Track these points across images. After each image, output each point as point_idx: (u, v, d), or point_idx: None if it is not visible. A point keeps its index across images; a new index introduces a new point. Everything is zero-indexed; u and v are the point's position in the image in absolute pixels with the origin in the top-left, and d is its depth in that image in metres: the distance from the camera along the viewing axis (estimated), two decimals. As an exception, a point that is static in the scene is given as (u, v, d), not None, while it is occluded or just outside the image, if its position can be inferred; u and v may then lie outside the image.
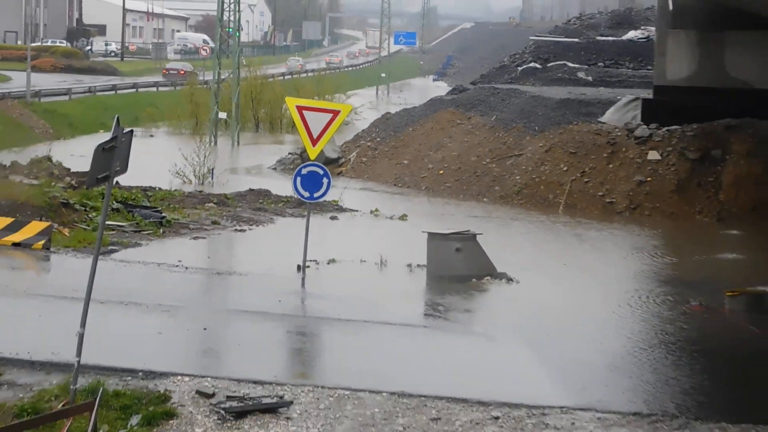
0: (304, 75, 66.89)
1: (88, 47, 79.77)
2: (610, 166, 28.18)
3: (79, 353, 10.77)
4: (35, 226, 20.20)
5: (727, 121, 27.84)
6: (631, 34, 43.48)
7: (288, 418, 10.50)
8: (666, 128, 28.58)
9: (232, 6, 43.78)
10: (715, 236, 25.14)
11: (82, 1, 76.87)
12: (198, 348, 14.08)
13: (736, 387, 13.32)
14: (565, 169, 28.98)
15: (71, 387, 10.91)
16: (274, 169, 35.22)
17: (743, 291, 17.56)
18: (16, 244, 19.69)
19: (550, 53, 42.88)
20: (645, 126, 29.04)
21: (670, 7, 27.11)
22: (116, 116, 11.40)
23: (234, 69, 42.98)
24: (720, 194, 26.58)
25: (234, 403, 10.94)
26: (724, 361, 14.90)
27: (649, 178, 27.36)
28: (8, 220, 20.24)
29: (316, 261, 19.46)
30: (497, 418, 10.68)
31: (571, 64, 40.56)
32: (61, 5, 73.42)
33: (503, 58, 49.04)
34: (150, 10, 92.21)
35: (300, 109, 17.81)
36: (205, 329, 15.16)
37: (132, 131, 11.53)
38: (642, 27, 43.16)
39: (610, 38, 43.88)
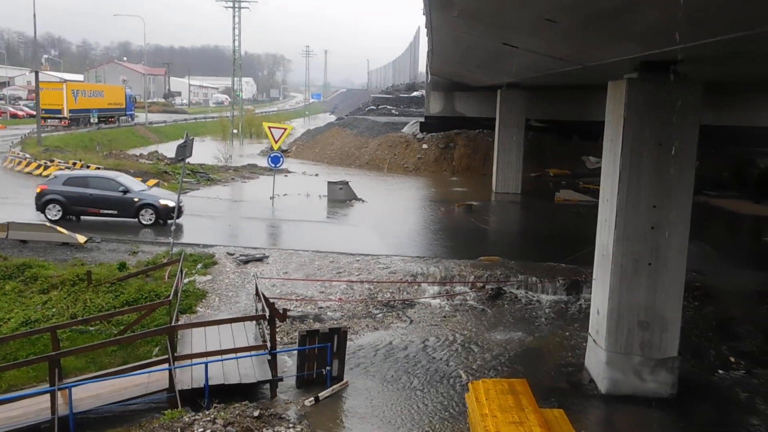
0: (271, 113, 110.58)
1: (174, 101, 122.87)
2: (407, 151, 44.85)
3: (172, 236, 20.16)
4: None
5: (455, 130, 45.14)
6: (416, 93, 68.55)
7: (267, 262, 19.78)
8: (430, 134, 45.81)
9: (237, 82, 75.25)
10: (450, 181, 39.38)
11: (170, 80, 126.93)
12: (227, 233, 23.82)
13: (461, 245, 22.63)
14: (386, 153, 45.14)
15: (170, 252, 19.73)
16: (259, 155, 51.53)
17: (463, 203, 29.18)
18: None
19: (380, 102, 67.02)
20: (421, 133, 46.48)
21: (430, 81, 46.60)
22: (186, 132, 21.23)
23: (240, 110, 75.31)
24: (453, 163, 43.37)
25: (243, 257, 19.99)
26: (457, 234, 25.11)
27: (422, 156, 43.84)
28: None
29: (278, 194, 30.70)
30: (358, 259, 19.98)
31: (389, 107, 63.67)
32: (160, 81, 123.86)
33: (359, 105, 75.42)
34: (201, 84, 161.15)
35: (269, 127, 30.30)
36: (230, 225, 25.56)
37: (193, 138, 21.30)
38: (420, 89, 68.10)
39: (406, 95, 69.85)
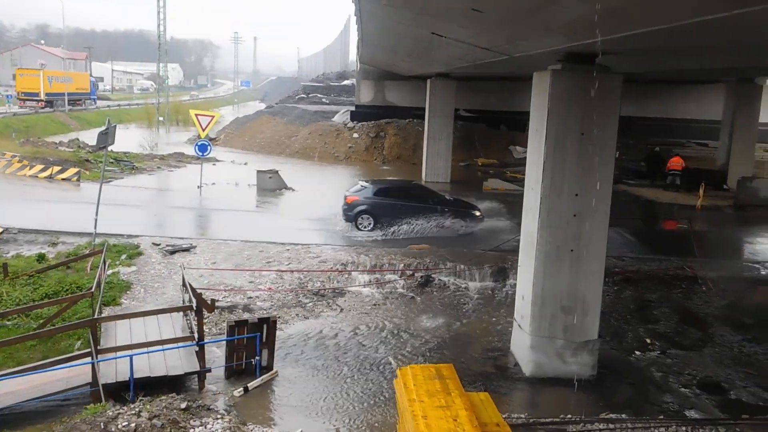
0: (198, 100, 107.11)
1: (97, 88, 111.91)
2: (337, 140, 44.62)
3: (95, 227, 19.35)
4: (73, 170, 31.85)
5: (385, 120, 44.87)
6: (347, 82, 68.66)
7: (194, 253, 19.48)
8: (361, 123, 45.29)
9: (162, 68, 74.20)
10: (381, 170, 39.45)
11: (92, 65, 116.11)
12: (152, 223, 23.37)
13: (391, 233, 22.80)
14: (317, 141, 44.90)
15: (92, 243, 19.16)
16: (186, 143, 49.47)
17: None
18: (65, 179, 31.11)
19: (311, 90, 66.74)
20: (352, 122, 46.07)
21: (361, 70, 46.15)
22: (108, 118, 20.69)
23: (165, 96, 71.17)
24: (384, 152, 43.07)
25: (169, 247, 19.69)
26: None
27: (353, 145, 43.59)
28: (59, 167, 32.08)
29: (206, 183, 30.17)
30: (288, 249, 19.89)
31: (319, 95, 63.61)
32: (81, 66, 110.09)
33: (290, 93, 74.99)
34: (125, 70, 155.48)
35: (196, 115, 29.46)
36: (155, 215, 25.08)
37: (116, 125, 20.74)
38: (351, 78, 67.52)
39: (337, 83, 69.80)
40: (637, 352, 14.29)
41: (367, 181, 24.33)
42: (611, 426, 10.72)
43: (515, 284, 14.65)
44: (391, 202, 22.71)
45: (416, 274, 18.20)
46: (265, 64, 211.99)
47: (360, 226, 22.43)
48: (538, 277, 12.58)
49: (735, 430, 10.88)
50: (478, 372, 12.96)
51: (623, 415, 11.19)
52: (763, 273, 19.54)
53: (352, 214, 22.66)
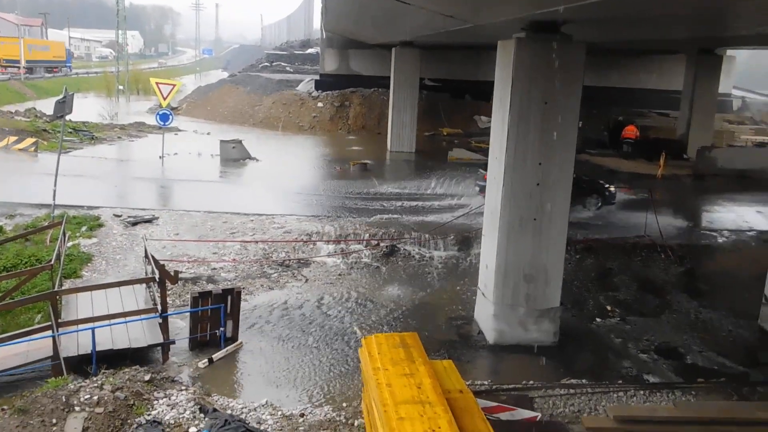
0: (163, 68, 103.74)
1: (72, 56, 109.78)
2: (302, 109, 44.43)
3: (54, 198, 19.06)
4: (30, 140, 31.12)
5: (350, 89, 44.54)
6: (311, 50, 67.69)
7: (157, 224, 19.26)
8: (325, 92, 45.05)
9: (121, 35, 71.78)
10: (346, 140, 39.48)
11: (48, 32, 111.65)
12: (113, 194, 22.93)
13: (356, 203, 22.65)
14: (281, 111, 44.44)
15: (51, 215, 18.88)
16: (147, 112, 48.44)
17: (358, 162, 29.63)
18: (21, 149, 30.32)
19: (274, 59, 65.38)
20: (316, 91, 45.82)
21: (325, 38, 45.10)
22: (65, 86, 20.20)
23: (125, 65, 70.15)
24: (348, 122, 43.04)
25: (131, 219, 19.46)
26: (353, 184, 25.66)
27: (317, 115, 43.45)
28: (15, 138, 31.19)
29: (168, 154, 29.80)
30: (252, 219, 19.75)
31: (283, 63, 62.45)
32: (36, 33, 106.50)
33: (253, 61, 72.83)
34: (82, 37, 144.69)
35: (157, 83, 28.97)
36: (116, 186, 24.58)
37: (73, 94, 20.21)
38: (315, 46, 65.85)
39: (301, 52, 68.73)
40: (598, 319, 14.56)
41: None
42: (572, 391, 10.94)
43: (479, 254, 14.77)
44: None
45: (381, 244, 18.23)
46: (227, 32, 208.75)
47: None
48: (502, 246, 12.69)
49: (690, 393, 11.20)
50: (442, 340, 13.09)
51: (583, 381, 11.42)
52: (720, 241, 19.98)
53: None
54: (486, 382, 11.27)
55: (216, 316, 12.58)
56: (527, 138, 12.27)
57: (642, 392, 11.12)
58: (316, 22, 79.60)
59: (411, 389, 7.70)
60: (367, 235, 18.69)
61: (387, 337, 9.24)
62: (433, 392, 7.64)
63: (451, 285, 16.32)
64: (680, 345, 13.35)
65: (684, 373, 12.16)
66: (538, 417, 9.82)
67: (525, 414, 9.70)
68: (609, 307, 15.15)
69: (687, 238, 19.58)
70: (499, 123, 12.86)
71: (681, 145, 33.49)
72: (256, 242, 18.03)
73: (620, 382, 11.57)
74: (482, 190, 22.28)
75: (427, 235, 18.64)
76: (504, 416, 9.44)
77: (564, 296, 13.32)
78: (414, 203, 22.91)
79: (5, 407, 9.11)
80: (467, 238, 18.55)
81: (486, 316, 13.28)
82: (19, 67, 69.14)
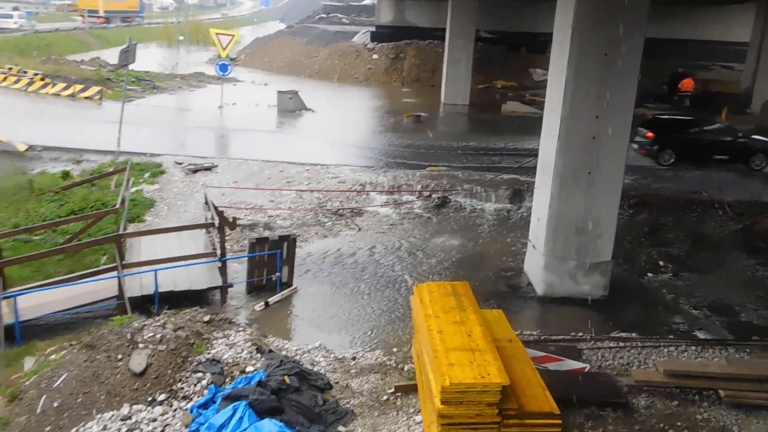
0: (221, 19, 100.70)
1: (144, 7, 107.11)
2: (357, 61, 43.61)
3: (118, 145, 19.57)
4: (95, 89, 31.79)
5: (405, 41, 43.80)
6: (367, 1, 67.31)
7: (216, 172, 19.55)
8: (381, 44, 44.21)
9: None
10: (400, 92, 38.71)
11: None
12: (174, 142, 23.28)
13: (409, 155, 22.44)
14: (336, 62, 43.69)
15: (115, 161, 19.39)
16: (206, 63, 47.69)
17: (412, 114, 29.23)
18: (87, 98, 31.01)
19: (330, 10, 64.80)
20: (372, 43, 45.03)
21: None
22: (129, 37, 20.41)
23: (185, 15, 66.84)
24: (403, 74, 42.06)
25: (191, 166, 19.74)
26: (407, 136, 25.54)
27: (372, 66, 42.51)
28: (81, 86, 31.98)
29: (226, 103, 30.09)
30: (307, 169, 19.86)
31: (339, 15, 61.70)
32: None
33: (310, 12, 71.16)
34: None
35: (217, 34, 29.24)
36: (177, 134, 24.91)
37: (136, 43, 20.43)
38: None
39: (357, 3, 67.77)
40: (649, 274, 14.34)
41: (662, 116, 24.08)
42: (621, 344, 10.85)
43: (530, 207, 14.62)
44: (693, 138, 22.24)
45: (433, 195, 18.19)
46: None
47: (661, 161, 22.00)
48: (554, 199, 12.52)
49: (744, 350, 10.97)
50: (492, 290, 13.09)
51: (633, 334, 11.31)
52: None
53: (652, 149, 22.14)
54: (534, 333, 11.27)
55: (272, 262, 12.84)
56: (585, 90, 11.95)
57: (693, 348, 10.92)
58: (374, -29, 78.35)
59: (461, 337, 7.75)
60: (420, 186, 18.65)
61: (438, 285, 9.29)
62: (483, 340, 7.68)
63: (502, 237, 16.24)
64: (734, 302, 13.06)
65: (738, 330, 11.92)
66: (587, 368, 9.80)
67: (573, 365, 9.69)
68: (661, 263, 14.87)
69: (745, 195, 18.94)
70: (556, 74, 12.54)
71: (745, 98, 32.11)
72: (311, 191, 18.19)
73: (671, 337, 11.41)
74: (641, 147, 22.26)
75: (478, 188, 18.51)
76: (552, 366, 9.45)
77: (615, 250, 13.10)
78: (467, 155, 22.68)
79: (74, 342, 9.54)
80: (519, 191, 18.34)
81: (536, 268, 13.20)
82: (99, 17, 71.22)
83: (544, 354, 9.62)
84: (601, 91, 11.91)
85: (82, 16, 69.86)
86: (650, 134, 22.13)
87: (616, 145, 12.23)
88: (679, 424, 8.94)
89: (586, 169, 12.30)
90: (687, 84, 32.16)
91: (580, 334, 11.22)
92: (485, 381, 6.87)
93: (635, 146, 22.06)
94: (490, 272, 14.12)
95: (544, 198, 12.82)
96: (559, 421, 7.28)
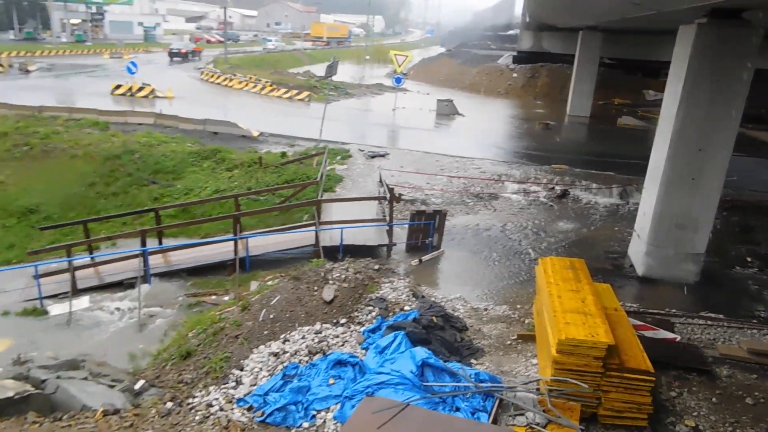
0: (399, 44, 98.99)
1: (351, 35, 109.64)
2: (500, 78, 41.81)
3: (320, 135, 20.72)
4: (305, 93, 32.63)
5: (540, 63, 41.10)
6: (511, 32, 61.28)
7: (388, 158, 19.96)
8: (520, 65, 42.15)
9: (370, 18, 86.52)
10: (533, 104, 36.28)
11: (321, 17, 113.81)
12: (359, 134, 23.69)
13: (538, 154, 21.00)
14: (483, 79, 41.84)
15: (317, 146, 20.38)
16: (385, 76, 47.67)
17: (542, 122, 27.57)
18: (299, 100, 32.16)
19: (481, 38, 62.60)
20: (513, 64, 43.10)
21: (528, 20, 40.68)
22: (333, 56, 21.11)
23: (371, 41, 70.87)
24: (536, 89, 39.46)
25: (370, 153, 20.37)
26: (537, 139, 24.45)
27: (512, 83, 40.28)
28: (295, 91, 33.07)
29: (398, 107, 30.00)
30: (456, 160, 19.80)
31: (488, 42, 58.74)
32: (314, 17, 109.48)
33: (464, 39, 67.85)
34: (342, 21, 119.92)
35: (395, 54, 28.74)
36: (360, 128, 25.36)
37: (338, 60, 21.13)
38: (515, 28, 57.72)
39: (503, 33, 63.06)
40: (737, 267, 12.95)
41: None
42: (709, 322, 9.93)
43: (637, 203, 13.62)
44: None
45: (556, 188, 17.46)
46: (446, 16, 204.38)
47: None
48: (660, 197, 11.58)
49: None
50: (599, 268, 12.40)
51: (720, 315, 10.31)
52: None
53: None
54: (634, 305, 10.57)
55: (427, 229, 12.98)
56: (695, 110, 10.88)
57: (775, 333, 9.78)
58: (517, 8, 74.96)
59: (576, 302, 7.44)
60: (545, 179, 17.96)
61: (559, 259, 8.95)
62: (594, 306, 7.32)
63: (610, 226, 15.30)
64: (819, 299, 11.49)
65: (820, 323, 10.48)
66: (678, 339, 9.08)
67: (666, 335, 9.01)
68: (749, 259, 13.35)
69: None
70: (671, 95, 11.50)
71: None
72: (459, 177, 18.07)
73: (754, 321, 10.28)
74: None
75: (594, 184, 17.50)
76: (648, 334, 8.84)
77: (709, 245, 11.93)
78: (586, 157, 21.46)
79: (284, 275, 10.19)
80: (627, 190, 17.14)
81: (638, 253, 12.33)
82: (322, 41, 79.26)
83: (641, 323, 9.01)
84: (709, 111, 10.80)
85: (312, 41, 78.79)
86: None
87: (719, 156, 11.07)
88: (756, 393, 8.05)
89: (690, 175, 11.25)
90: None
91: (674, 310, 10.40)
92: (594, 339, 6.56)
93: None
94: (599, 253, 13.39)
95: (651, 196, 11.90)
96: (653, 378, 6.80)
